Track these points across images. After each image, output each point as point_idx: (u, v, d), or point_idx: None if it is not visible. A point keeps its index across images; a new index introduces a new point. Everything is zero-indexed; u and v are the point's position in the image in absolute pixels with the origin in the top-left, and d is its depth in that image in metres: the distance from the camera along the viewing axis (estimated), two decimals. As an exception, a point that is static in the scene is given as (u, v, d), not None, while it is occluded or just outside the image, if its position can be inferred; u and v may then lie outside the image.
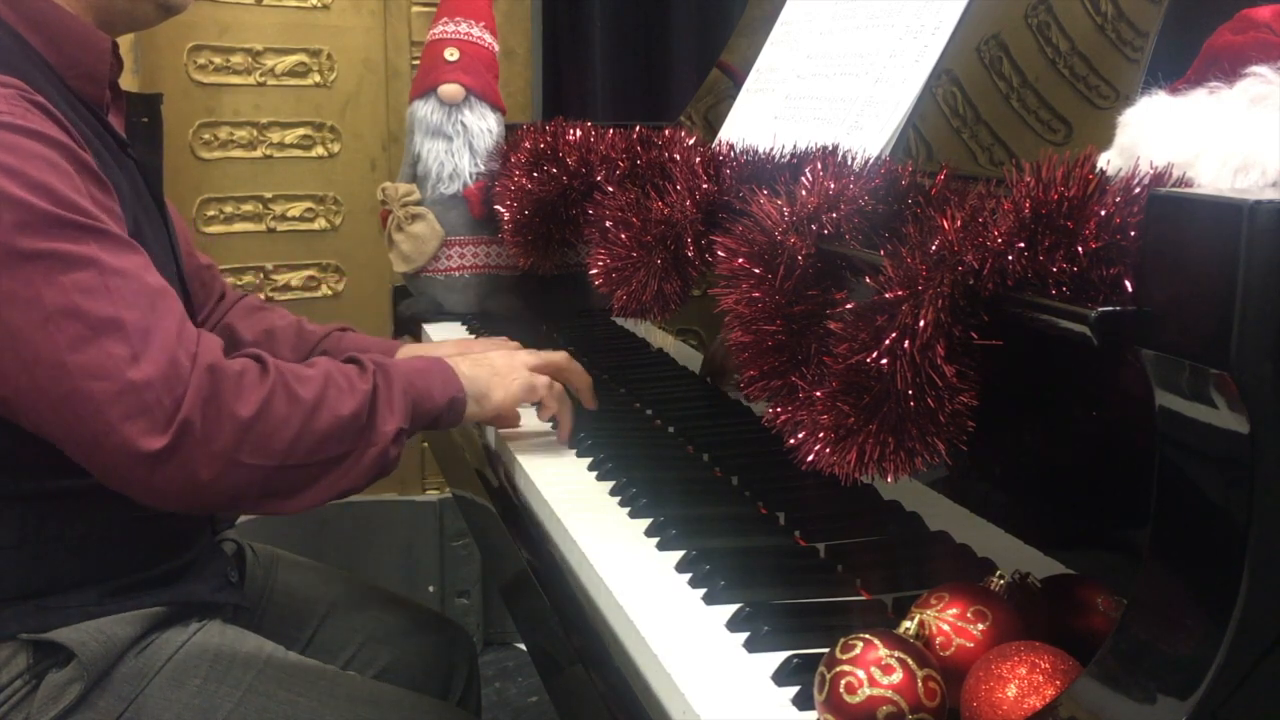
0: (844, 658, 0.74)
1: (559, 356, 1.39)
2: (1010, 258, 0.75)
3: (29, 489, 1.13)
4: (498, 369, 1.32)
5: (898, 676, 0.73)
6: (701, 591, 0.97)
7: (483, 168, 1.95)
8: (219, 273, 1.59)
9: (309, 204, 2.58)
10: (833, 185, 0.99)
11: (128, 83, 1.34)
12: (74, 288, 1.01)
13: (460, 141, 1.95)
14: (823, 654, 0.77)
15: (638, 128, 1.54)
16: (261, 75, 2.49)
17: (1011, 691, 0.71)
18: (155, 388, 1.01)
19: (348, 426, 1.13)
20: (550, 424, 1.39)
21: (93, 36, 1.19)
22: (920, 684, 0.73)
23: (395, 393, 1.18)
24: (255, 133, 2.51)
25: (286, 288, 2.58)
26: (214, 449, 1.04)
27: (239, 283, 2.53)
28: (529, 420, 1.41)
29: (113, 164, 1.18)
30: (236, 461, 1.05)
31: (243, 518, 1.45)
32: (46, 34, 1.16)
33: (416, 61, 2.47)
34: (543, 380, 1.34)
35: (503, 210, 1.71)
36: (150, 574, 1.22)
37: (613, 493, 1.20)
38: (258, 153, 2.52)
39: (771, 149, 1.22)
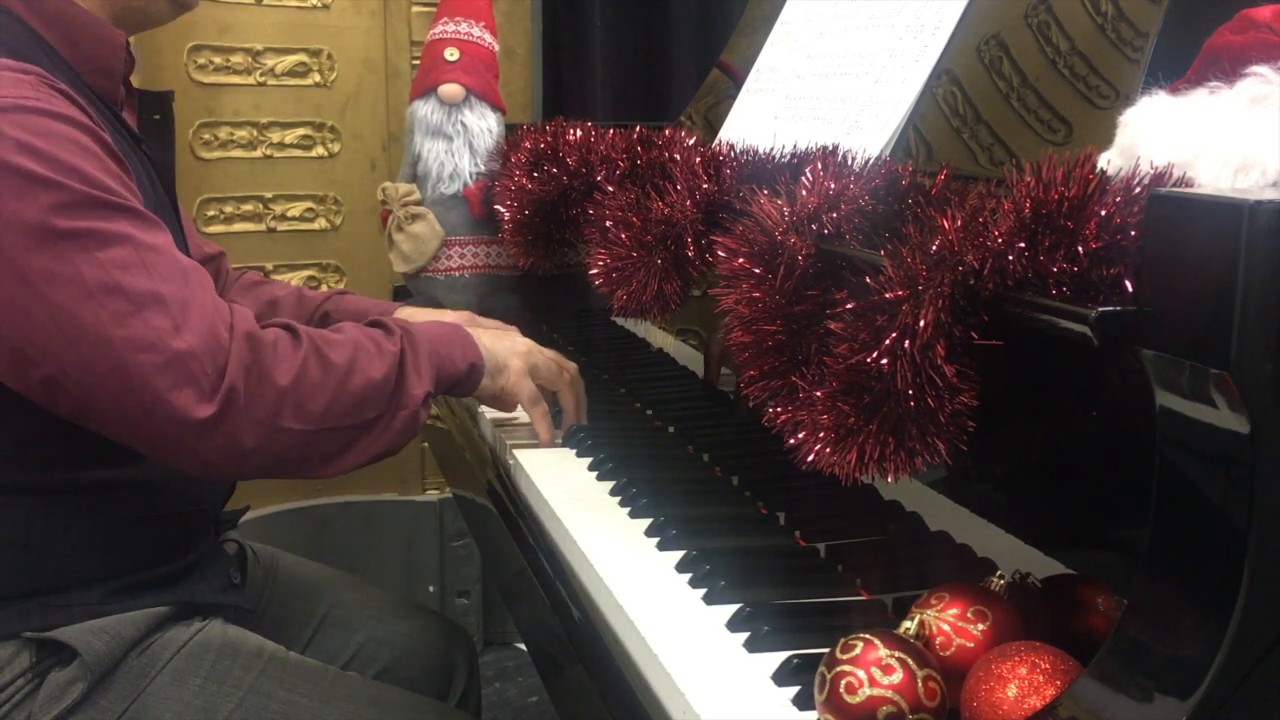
0: (844, 658, 0.74)
1: (570, 366, 1.40)
2: (1010, 258, 0.75)
3: (35, 483, 1.14)
4: (517, 348, 1.34)
5: (898, 676, 0.73)
6: (702, 591, 0.97)
7: (483, 168, 1.95)
8: (225, 258, 1.61)
9: (309, 204, 2.58)
10: (833, 185, 0.99)
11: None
12: (112, 264, 1.03)
13: (460, 141, 1.95)
14: (823, 654, 0.77)
15: (638, 128, 1.54)
16: (261, 75, 2.49)
17: (1012, 691, 0.71)
18: (200, 357, 1.03)
19: (379, 389, 1.15)
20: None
21: (108, 32, 1.21)
22: (920, 684, 0.73)
23: (422, 357, 1.20)
24: (255, 133, 2.51)
25: (286, 288, 2.58)
26: (258, 415, 1.06)
27: (239, 283, 2.53)
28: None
29: (128, 159, 1.18)
30: (279, 427, 1.07)
31: (244, 518, 1.45)
32: (62, 30, 1.17)
33: (416, 61, 2.47)
34: (543, 407, 1.35)
35: (503, 210, 1.71)
36: (153, 574, 1.22)
37: (613, 493, 1.20)
38: (258, 153, 2.52)
39: (771, 149, 1.22)
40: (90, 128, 1.08)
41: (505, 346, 1.33)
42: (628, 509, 1.15)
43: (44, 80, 1.08)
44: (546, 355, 1.37)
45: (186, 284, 1.06)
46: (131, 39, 1.25)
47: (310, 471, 1.14)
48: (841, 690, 0.73)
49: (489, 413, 1.46)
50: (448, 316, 1.48)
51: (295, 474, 1.14)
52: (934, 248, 0.80)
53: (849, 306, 0.87)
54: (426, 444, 2.44)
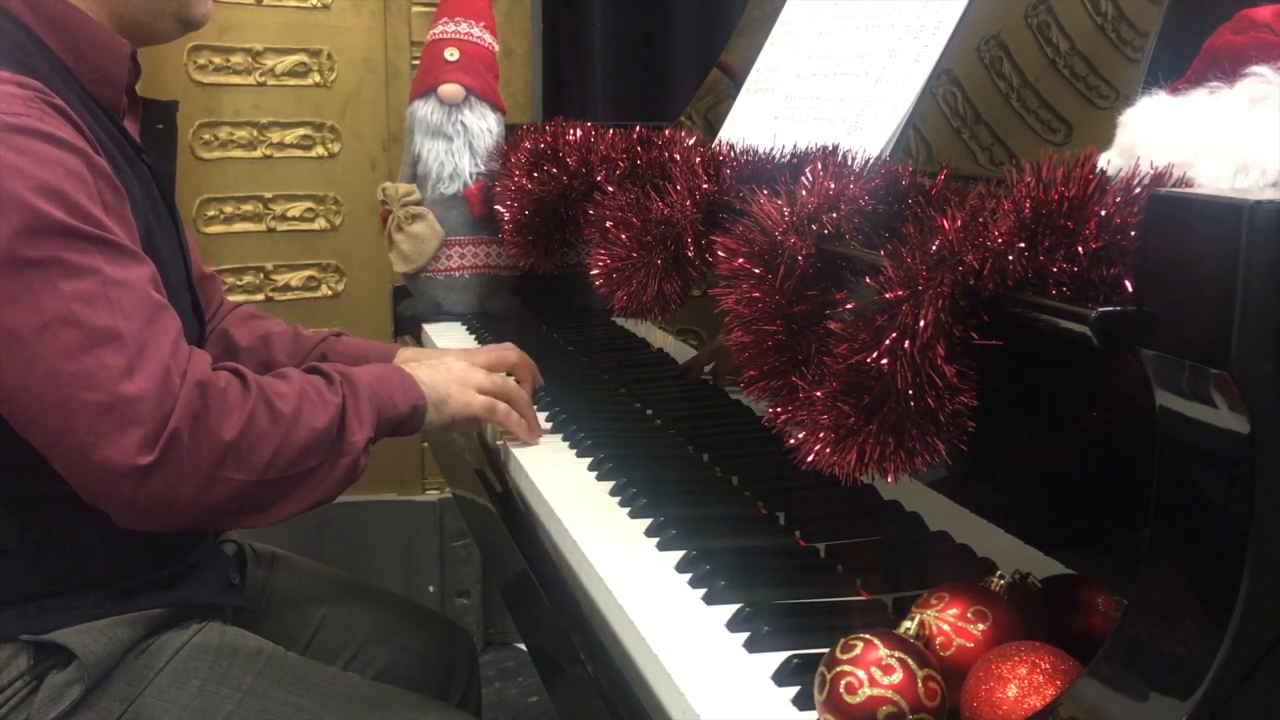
0: (844, 658, 0.74)
1: (511, 385, 1.37)
2: (1010, 258, 0.75)
3: (32, 492, 1.13)
4: (455, 375, 1.32)
5: (898, 676, 0.73)
6: (701, 591, 0.97)
7: (483, 168, 1.95)
8: (219, 284, 1.59)
9: (309, 204, 2.58)
10: (833, 185, 0.99)
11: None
12: (74, 296, 1.01)
13: (460, 141, 1.95)
14: (823, 654, 0.77)
15: (638, 128, 1.54)
16: (261, 75, 2.49)
17: (1012, 691, 0.71)
18: (148, 401, 1.02)
19: (322, 438, 1.13)
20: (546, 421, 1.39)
21: (112, 42, 1.20)
22: (920, 684, 0.73)
23: (363, 403, 1.18)
24: (255, 133, 2.51)
25: (286, 288, 2.58)
26: (199, 465, 1.04)
27: (239, 283, 2.53)
28: (529, 420, 1.41)
29: (126, 169, 1.18)
30: (218, 478, 1.06)
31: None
32: (67, 38, 1.16)
33: (416, 61, 2.47)
34: (502, 407, 1.33)
35: (503, 210, 1.71)
36: (152, 577, 1.22)
37: (613, 493, 1.20)
38: (258, 153, 2.52)
39: (771, 149, 1.22)
40: (82, 150, 1.07)
41: (442, 377, 1.30)
42: (628, 509, 1.15)
43: (41, 97, 1.07)
44: (482, 374, 1.34)
45: (149, 324, 1.05)
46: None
47: (245, 522, 1.12)
48: (841, 690, 0.73)
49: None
50: (449, 357, 1.44)
51: (230, 525, 1.13)
52: (934, 248, 0.80)
53: (849, 306, 0.87)
54: (426, 444, 2.44)
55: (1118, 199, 0.71)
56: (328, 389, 1.17)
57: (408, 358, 1.50)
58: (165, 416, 1.02)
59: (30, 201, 1.01)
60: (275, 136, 2.53)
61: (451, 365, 1.34)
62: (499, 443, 1.39)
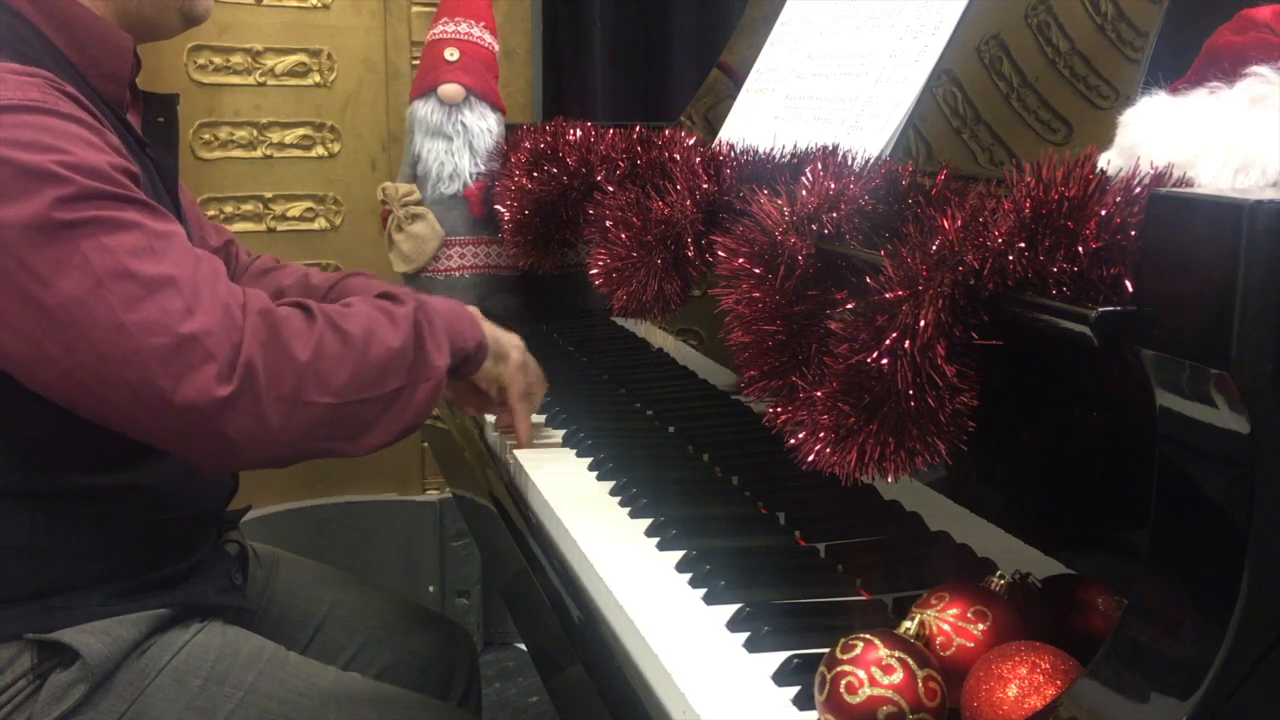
0: (844, 658, 0.74)
1: (542, 387, 1.42)
2: (1010, 258, 0.75)
3: (38, 488, 1.13)
4: (515, 341, 1.36)
5: (898, 676, 0.73)
6: (702, 591, 0.97)
7: (483, 168, 1.95)
8: (236, 242, 1.60)
9: (309, 204, 2.57)
10: (833, 185, 0.99)
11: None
12: (122, 250, 1.02)
13: (460, 141, 1.95)
14: (823, 654, 0.77)
15: (638, 128, 1.54)
16: (261, 75, 2.49)
17: (1012, 691, 0.71)
18: (215, 335, 1.02)
19: (399, 359, 1.15)
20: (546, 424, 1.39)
21: (115, 36, 1.20)
22: (920, 684, 0.73)
23: (439, 328, 1.20)
24: (255, 133, 2.51)
25: (286, 288, 2.58)
26: (280, 391, 1.05)
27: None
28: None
29: (132, 162, 1.18)
30: (302, 401, 1.07)
31: (245, 517, 1.45)
32: (70, 33, 1.17)
33: (416, 61, 2.47)
34: (530, 404, 1.37)
35: (503, 210, 1.71)
36: (156, 576, 1.22)
37: (613, 493, 1.20)
38: (258, 153, 2.52)
39: (771, 149, 1.22)
40: (96, 127, 1.08)
41: (506, 337, 1.35)
42: (628, 509, 1.15)
43: (50, 83, 1.07)
44: (531, 360, 1.39)
45: (198, 267, 1.06)
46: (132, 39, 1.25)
47: (340, 449, 1.13)
48: (842, 690, 0.73)
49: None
50: None
51: (325, 453, 1.13)
52: (934, 248, 0.80)
53: (849, 306, 0.87)
54: (426, 444, 2.44)
55: (1118, 199, 0.71)
56: (398, 307, 1.19)
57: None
58: (235, 347, 1.03)
59: (59, 172, 1.01)
60: (275, 136, 2.52)
61: (514, 335, 1.38)
62: (496, 433, 1.39)
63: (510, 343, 1.36)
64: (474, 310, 1.32)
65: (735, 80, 1.73)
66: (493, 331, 1.33)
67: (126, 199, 1.05)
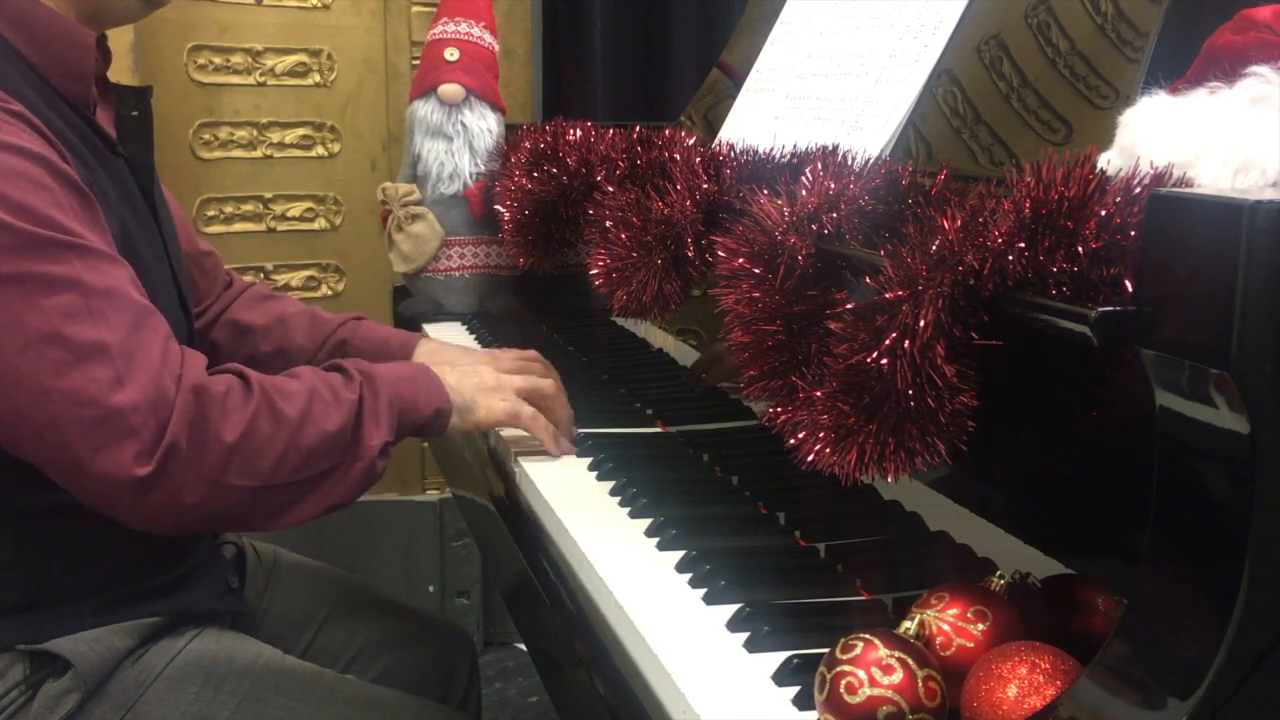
0: (844, 658, 0.74)
1: (546, 384, 1.33)
2: (1010, 258, 0.75)
3: (24, 504, 1.12)
4: (485, 384, 1.28)
5: (898, 676, 0.73)
6: (702, 591, 0.97)
7: (483, 168, 1.95)
8: (221, 261, 1.56)
9: (309, 204, 2.58)
10: (833, 185, 0.99)
11: (129, 84, 1.32)
12: (56, 311, 1.00)
13: (460, 141, 1.95)
14: (823, 654, 0.77)
15: (638, 128, 1.54)
16: (261, 75, 2.49)
17: (1012, 691, 0.71)
18: (141, 412, 1.00)
19: (334, 442, 1.11)
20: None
21: (76, 33, 1.15)
22: (920, 684, 0.73)
23: (381, 404, 1.16)
24: (255, 133, 2.51)
25: (286, 288, 2.58)
26: (200, 472, 1.03)
27: (239, 283, 2.53)
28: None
29: (98, 166, 1.15)
30: (222, 484, 1.05)
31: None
32: (28, 33, 1.12)
33: (416, 61, 2.47)
34: (527, 411, 1.29)
35: (503, 210, 1.71)
36: (149, 585, 1.21)
37: (613, 493, 1.20)
38: (258, 153, 2.52)
39: (771, 149, 1.22)
40: (45, 158, 1.04)
41: (471, 384, 1.26)
42: (628, 509, 1.15)
43: (0, 106, 1.03)
44: (518, 378, 1.31)
45: (136, 331, 1.03)
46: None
47: (256, 526, 1.11)
48: (842, 690, 0.73)
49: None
50: (481, 363, 1.39)
51: (240, 528, 1.11)
52: (934, 248, 0.80)
53: (849, 306, 0.87)
54: (426, 444, 2.44)
55: (1118, 199, 0.71)
56: (344, 387, 1.15)
57: (432, 350, 1.48)
58: (161, 426, 1.01)
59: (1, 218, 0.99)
60: (275, 136, 2.53)
61: (483, 373, 1.30)
62: (495, 442, 1.39)
63: (477, 388, 1.26)
64: (438, 369, 1.25)
65: (735, 80, 1.73)
66: (457, 384, 1.25)
67: (65, 245, 1.01)
